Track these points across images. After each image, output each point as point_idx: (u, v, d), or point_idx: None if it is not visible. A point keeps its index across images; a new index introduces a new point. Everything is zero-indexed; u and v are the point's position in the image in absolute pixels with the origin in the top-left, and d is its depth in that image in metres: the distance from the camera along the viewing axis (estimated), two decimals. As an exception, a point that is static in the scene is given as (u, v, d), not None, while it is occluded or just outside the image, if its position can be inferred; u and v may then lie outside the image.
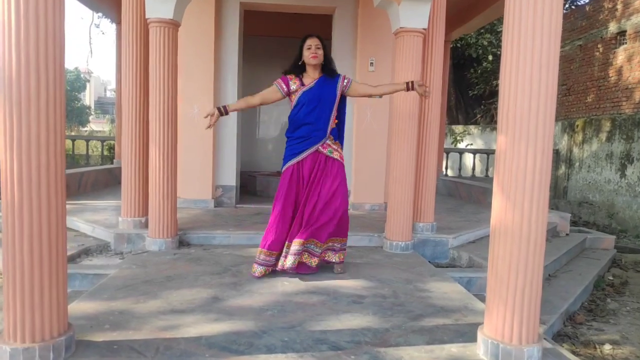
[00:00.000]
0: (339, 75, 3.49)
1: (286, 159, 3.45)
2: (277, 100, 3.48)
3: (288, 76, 3.44)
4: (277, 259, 3.39)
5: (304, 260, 3.39)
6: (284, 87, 3.41)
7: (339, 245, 3.55)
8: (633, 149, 8.83)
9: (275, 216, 3.37)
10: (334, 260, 3.54)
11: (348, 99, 3.60)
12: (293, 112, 3.43)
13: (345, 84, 3.45)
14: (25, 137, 1.91)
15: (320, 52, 3.36)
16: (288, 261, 3.30)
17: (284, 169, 3.44)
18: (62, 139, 2.04)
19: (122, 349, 2.21)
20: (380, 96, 3.61)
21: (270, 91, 3.44)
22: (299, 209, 3.39)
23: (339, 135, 3.56)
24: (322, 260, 3.50)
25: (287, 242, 3.38)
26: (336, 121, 3.50)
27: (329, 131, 3.41)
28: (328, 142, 3.43)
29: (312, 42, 3.36)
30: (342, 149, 3.54)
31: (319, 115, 3.37)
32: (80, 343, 2.22)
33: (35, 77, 1.90)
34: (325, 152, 3.41)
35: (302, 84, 3.41)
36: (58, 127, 2.00)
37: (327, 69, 3.45)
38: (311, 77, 3.43)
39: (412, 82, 3.44)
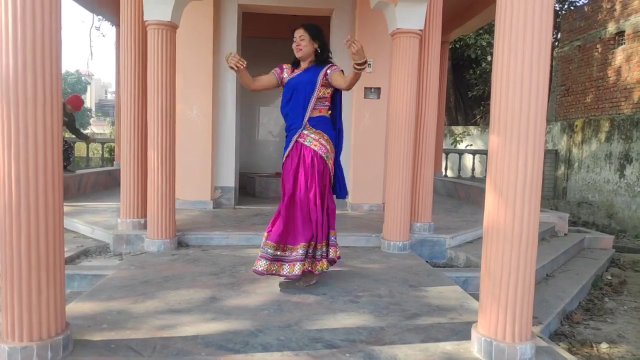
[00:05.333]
0: (327, 64, 3.24)
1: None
2: (273, 86, 3.36)
3: (285, 65, 3.37)
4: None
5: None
6: (278, 71, 3.34)
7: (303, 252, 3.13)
8: (632, 149, 8.84)
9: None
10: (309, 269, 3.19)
11: (344, 96, 3.52)
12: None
13: (328, 72, 3.17)
14: (22, 138, 1.94)
15: (304, 43, 3.18)
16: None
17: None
18: (59, 141, 2.06)
19: (120, 348, 2.23)
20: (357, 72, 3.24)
21: (268, 75, 3.35)
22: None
23: (333, 127, 3.29)
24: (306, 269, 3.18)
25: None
26: (328, 112, 3.29)
27: (305, 120, 3.19)
28: (305, 131, 3.20)
29: (296, 34, 3.20)
30: (330, 141, 3.24)
31: (294, 105, 3.22)
32: (78, 342, 2.24)
33: (32, 79, 1.93)
34: (304, 142, 3.19)
35: (292, 73, 3.31)
36: (55, 129, 2.02)
37: (320, 59, 3.24)
38: (302, 68, 3.29)
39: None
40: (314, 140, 3.19)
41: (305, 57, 3.25)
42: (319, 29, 3.26)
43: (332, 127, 3.32)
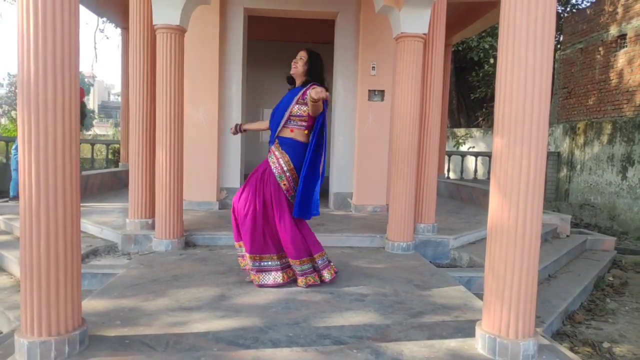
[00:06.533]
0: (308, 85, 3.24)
1: None
2: None
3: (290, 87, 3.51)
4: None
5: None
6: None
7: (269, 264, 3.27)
8: (634, 152, 8.88)
9: None
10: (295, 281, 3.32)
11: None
12: None
13: (302, 94, 3.23)
14: (42, 141, 2.01)
15: (300, 63, 3.31)
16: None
17: None
18: (77, 143, 2.13)
19: (134, 343, 2.30)
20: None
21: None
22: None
23: (304, 154, 3.23)
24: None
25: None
26: (304, 133, 3.26)
27: (274, 136, 3.31)
28: (272, 147, 3.31)
29: (299, 53, 3.37)
30: (291, 163, 3.23)
31: (273, 121, 3.37)
32: (93, 338, 2.31)
33: (52, 83, 2.00)
34: (269, 157, 3.32)
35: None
36: (73, 131, 2.09)
37: (308, 80, 3.30)
38: (293, 88, 3.43)
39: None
40: (274, 157, 3.28)
41: (297, 75, 3.36)
42: (319, 58, 3.38)
43: (303, 153, 3.24)
